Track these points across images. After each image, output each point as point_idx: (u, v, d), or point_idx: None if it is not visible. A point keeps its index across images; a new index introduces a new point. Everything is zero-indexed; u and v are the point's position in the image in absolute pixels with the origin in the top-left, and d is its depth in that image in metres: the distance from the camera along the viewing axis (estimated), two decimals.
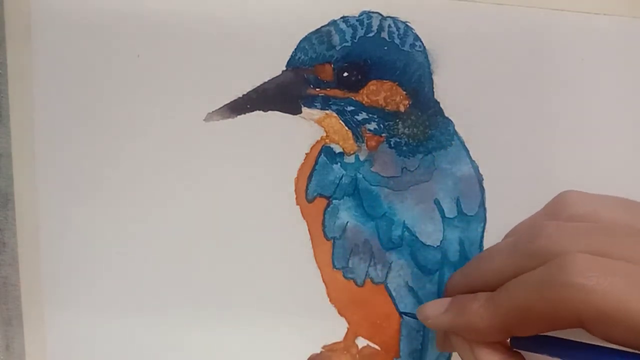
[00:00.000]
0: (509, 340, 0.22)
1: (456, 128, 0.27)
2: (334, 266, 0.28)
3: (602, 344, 0.19)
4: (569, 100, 0.27)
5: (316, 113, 0.27)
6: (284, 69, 0.26)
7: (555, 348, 0.21)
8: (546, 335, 0.21)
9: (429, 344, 0.29)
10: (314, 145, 0.27)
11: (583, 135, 0.28)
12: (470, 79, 0.27)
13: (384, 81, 0.27)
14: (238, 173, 0.27)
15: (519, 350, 0.22)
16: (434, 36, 0.26)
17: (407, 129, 0.27)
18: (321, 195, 0.27)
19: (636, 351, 0.18)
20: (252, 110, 0.27)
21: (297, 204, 0.27)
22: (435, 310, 0.24)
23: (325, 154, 0.27)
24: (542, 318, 0.19)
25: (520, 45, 0.27)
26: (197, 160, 0.27)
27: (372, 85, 0.27)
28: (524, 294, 0.20)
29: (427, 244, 0.28)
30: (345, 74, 0.26)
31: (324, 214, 0.28)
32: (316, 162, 0.27)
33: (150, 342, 0.28)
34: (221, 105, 0.27)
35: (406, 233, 0.27)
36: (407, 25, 0.26)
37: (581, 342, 0.21)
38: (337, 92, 0.27)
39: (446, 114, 0.27)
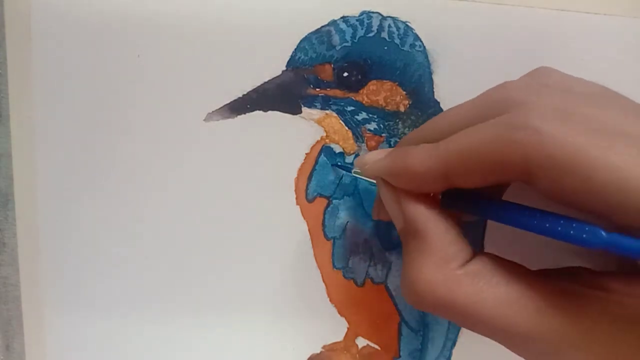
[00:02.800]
0: (440, 198, 0.21)
1: None
2: (334, 266, 0.28)
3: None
4: None
5: (316, 113, 0.27)
6: (284, 69, 0.26)
7: (484, 208, 0.20)
8: (477, 196, 0.21)
9: (429, 343, 0.29)
10: (314, 145, 0.27)
11: None
12: (470, 79, 0.27)
13: (384, 81, 0.27)
14: (238, 173, 0.27)
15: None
16: (434, 36, 0.27)
17: (407, 129, 0.27)
18: (321, 195, 0.27)
19: (568, 214, 0.18)
20: (252, 110, 0.27)
21: (297, 204, 0.27)
22: (375, 156, 0.23)
23: (325, 154, 0.27)
24: (489, 163, 0.18)
25: (520, 45, 0.27)
26: (197, 160, 0.27)
27: (372, 85, 0.27)
28: (474, 136, 0.19)
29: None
30: (345, 74, 0.26)
31: (324, 214, 0.28)
32: (316, 162, 0.27)
33: (150, 342, 0.28)
34: (221, 105, 0.27)
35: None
36: (407, 25, 0.26)
37: (511, 203, 0.20)
38: (337, 92, 0.27)
39: None
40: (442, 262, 0.20)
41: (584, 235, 0.17)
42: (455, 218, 0.21)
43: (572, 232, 0.18)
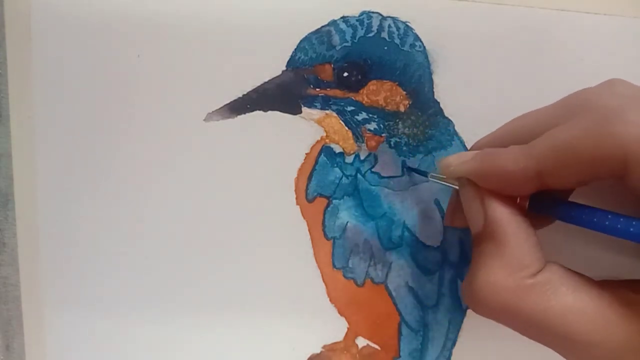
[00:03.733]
0: (527, 203, 0.21)
1: (456, 128, 0.27)
2: (334, 266, 0.28)
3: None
4: None
5: (316, 113, 0.27)
6: (284, 69, 0.26)
7: (574, 213, 0.20)
8: (564, 201, 0.21)
9: (429, 343, 0.29)
10: (314, 145, 0.27)
11: None
12: (470, 79, 0.27)
13: (384, 81, 0.27)
14: (238, 173, 0.27)
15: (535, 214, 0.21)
16: (434, 36, 0.26)
17: (407, 129, 0.27)
18: (321, 195, 0.27)
19: None
20: (252, 110, 0.27)
21: (297, 204, 0.27)
22: (460, 158, 0.22)
23: (325, 154, 0.27)
24: (585, 158, 0.18)
25: (520, 45, 0.27)
26: (197, 160, 0.27)
27: (372, 85, 0.27)
28: (568, 132, 0.19)
29: (427, 244, 0.28)
30: (345, 74, 0.26)
31: (324, 214, 0.28)
32: (316, 162, 0.27)
33: (150, 342, 0.28)
34: (221, 105, 0.27)
35: (406, 233, 0.27)
36: (407, 25, 0.26)
37: (602, 210, 0.20)
38: (337, 92, 0.27)
39: (446, 114, 0.27)
40: (515, 269, 0.20)
41: None
42: (533, 227, 0.21)
43: None
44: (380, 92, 0.27)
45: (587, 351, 0.19)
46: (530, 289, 0.20)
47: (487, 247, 0.21)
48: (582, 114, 0.19)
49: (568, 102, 0.21)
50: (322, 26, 0.26)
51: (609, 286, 0.20)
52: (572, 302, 0.19)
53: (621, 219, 0.19)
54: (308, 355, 0.29)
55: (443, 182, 0.24)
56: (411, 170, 0.27)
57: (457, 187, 0.24)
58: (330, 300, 0.28)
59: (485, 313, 0.21)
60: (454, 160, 0.23)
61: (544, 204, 0.21)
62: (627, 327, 0.18)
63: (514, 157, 0.20)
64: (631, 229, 0.19)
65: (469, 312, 0.29)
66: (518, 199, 0.21)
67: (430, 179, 0.25)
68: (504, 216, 0.21)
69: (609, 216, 0.19)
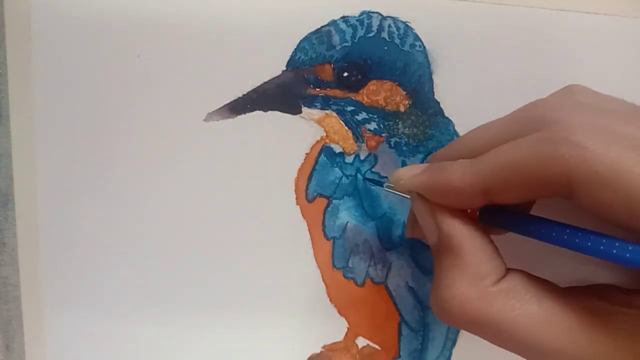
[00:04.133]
0: (477, 214, 0.21)
1: (456, 128, 0.27)
2: (334, 266, 0.28)
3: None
4: None
5: (316, 113, 0.27)
6: (284, 69, 0.26)
7: (524, 225, 0.20)
8: (513, 212, 0.21)
9: (429, 343, 0.29)
10: (314, 145, 0.27)
11: None
12: (470, 79, 0.27)
13: (384, 81, 0.27)
14: (238, 173, 0.27)
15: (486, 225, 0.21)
16: (434, 36, 0.27)
17: (407, 129, 0.27)
18: (321, 195, 0.27)
19: (610, 234, 0.18)
20: (252, 110, 0.27)
21: (297, 204, 0.27)
22: (410, 171, 0.22)
23: (325, 154, 0.27)
24: (530, 178, 0.18)
25: (520, 45, 0.27)
26: (197, 160, 0.27)
27: (372, 85, 0.27)
28: (514, 151, 0.19)
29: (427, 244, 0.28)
30: (345, 74, 0.26)
31: (324, 214, 0.28)
32: (316, 162, 0.27)
33: (150, 342, 0.28)
34: (221, 105, 0.27)
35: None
36: (407, 25, 0.26)
37: (551, 221, 0.20)
38: (337, 92, 0.27)
39: (446, 114, 0.27)
40: (476, 278, 0.20)
41: (628, 255, 0.18)
42: (488, 234, 0.21)
43: (615, 251, 0.18)
44: (380, 92, 0.27)
45: (554, 359, 0.19)
46: (494, 297, 0.19)
47: (445, 258, 0.21)
48: (530, 131, 0.19)
49: (520, 115, 0.21)
50: (322, 26, 0.26)
51: (573, 293, 0.20)
52: (536, 311, 0.19)
53: (567, 231, 0.19)
54: (308, 355, 0.29)
55: (397, 193, 0.24)
56: (367, 180, 0.27)
57: (403, 196, 0.24)
58: (330, 300, 0.28)
59: (453, 324, 0.20)
60: (404, 174, 0.23)
61: (494, 216, 0.21)
62: (592, 335, 0.18)
63: (461, 173, 0.20)
64: (576, 240, 0.19)
65: None
66: (469, 211, 0.21)
67: (386, 189, 0.25)
68: (456, 228, 0.21)
69: (556, 228, 0.19)
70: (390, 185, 0.24)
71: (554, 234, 0.19)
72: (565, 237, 0.19)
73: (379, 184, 0.26)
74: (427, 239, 0.22)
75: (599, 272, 0.24)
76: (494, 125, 0.22)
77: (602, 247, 0.18)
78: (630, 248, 0.17)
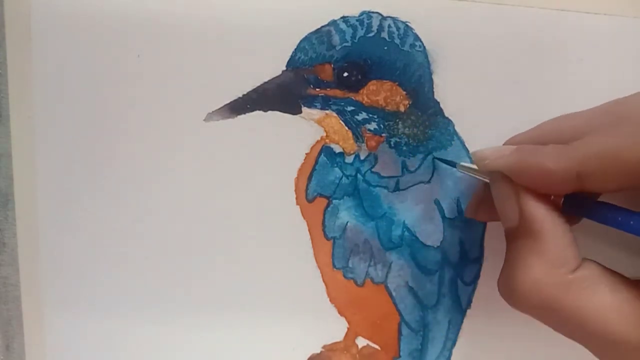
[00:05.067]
0: (562, 201, 0.21)
1: (456, 128, 0.27)
2: (334, 266, 0.28)
3: None
4: (569, 100, 0.27)
5: (316, 113, 0.27)
6: (284, 69, 0.26)
7: (607, 214, 0.20)
8: (600, 202, 0.21)
9: (429, 343, 0.29)
10: (314, 145, 0.27)
11: None
12: (470, 79, 0.27)
13: (384, 81, 0.27)
14: (238, 173, 0.27)
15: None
16: (434, 36, 0.26)
17: (407, 129, 0.27)
18: (321, 195, 0.27)
19: None
20: (252, 110, 0.27)
21: (297, 204, 0.27)
22: (498, 152, 0.22)
23: (325, 154, 0.27)
24: (629, 169, 0.18)
25: (520, 45, 0.27)
26: (197, 160, 0.27)
27: (372, 85, 0.27)
28: (616, 141, 0.19)
29: (427, 244, 0.28)
30: (345, 74, 0.26)
31: (324, 214, 0.28)
32: (316, 162, 0.27)
33: (150, 342, 0.28)
34: (221, 105, 0.27)
35: (406, 233, 0.27)
36: (407, 25, 0.26)
37: (636, 213, 0.20)
38: (337, 92, 0.27)
39: (446, 114, 0.27)
40: (555, 264, 0.20)
41: None
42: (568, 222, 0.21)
43: None
44: (380, 92, 0.27)
45: (622, 351, 0.19)
46: (570, 285, 0.20)
47: (525, 243, 0.21)
48: (627, 123, 0.19)
49: (608, 109, 0.21)
50: (322, 26, 0.26)
51: None
52: (610, 300, 0.19)
53: None
54: (308, 355, 0.29)
55: (473, 174, 0.24)
56: (439, 160, 0.27)
57: (487, 181, 0.24)
58: (330, 300, 0.28)
59: (525, 309, 0.21)
60: (490, 154, 0.23)
61: (576, 203, 0.21)
62: None
63: (555, 156, 0.20)
64: None
65: (469, 312, 0.29)
66: (552, 197, 0.21)
67: (459, 170, 0.25)
68: (540, 212, 0.21)
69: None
70: (465, 166, 0.25)
71: (629, 220, 0.19)
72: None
73: (451, 164, 0.26)
74: (504, 222, 0.22)
75: None
76: (581, 115, 0.22)
77: None
78: None
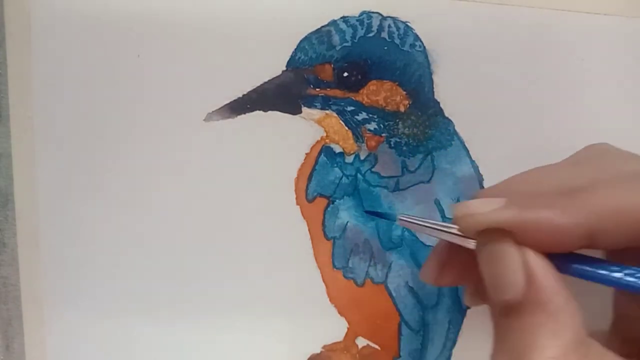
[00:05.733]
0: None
1: (456, 128, 0.27)
2: (334, 266, 0.28)
3: None
4: (569, 100, 0.27)
5: (316, 113, 0.27)
6: (284, 69, 0.26)
7: (607, 275, 0.18)
8: (595, 257, 0.18)
9: (429, 343, 0.29)
10: (314, 145, 0.27)
11: (583, 135, 0.27)
12: (470, 79, 0.27)
13: (384, 81, 0.27)
14: (238, 173, 0.27)
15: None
16: (434, 36, 0.26)
17: (407, 129, 0.27)
18: (321, 195, 0.27)
19: None
20: (252, 110, 0.27)
21: (297, 204, 0.27)
22: (487, 205, 0.18)
23: (325, 154, 0.27)
24: None
25: (520, 45, 0.27)
26: (197, 160, 0.27)
27: (372, 85, 0.27)
28: (632, 195, 0.17)
29: (427, 244, 0.28)
30: (345, 74, 0.26)
31: (324, 214, 0.28)
32: (316, 162, 0.27)
33: (150, 342, 0.28)
34: (221, 105, 0.27)
35: (406, 233, 0.27)
36: (407, 25, 0.26)
37: (623, 265, 0.18)
38: (337, 92, 0.27)
39: (446, 114, 0.27)
40: (574, 347, 0.17)
41: None
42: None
43: None
44: (380, 92, 0.27)
45: None
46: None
47: (534, 320, 0.17)
48: (635, 177, 0.18)
49: (584, 156, 0.20)
50: (322, 26, 0.26)
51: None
52: None
53: None
54: (308, 355, 0.29)
55: (419, 230, 0.21)
56: (372, 214, 0.25)
57: (451, 239, 0.20)
58: (330, 300, 0.28)
59: None
60: (479, 207, 0.19)
61: (571, 264, 0.18)
62: None
63: (564, 210, 0.17)
64: None
65: (469, 312, 0.29)
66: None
67: (399, 223, 0.22)
68: (553, 282, 0.17)
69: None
70: (405, 219, 0.22)
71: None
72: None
73: (390, 217, 0.25)
74: (499, 291, 0.18)
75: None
76: (566, 165, 0.20)
77: None
78: None
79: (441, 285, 0.24)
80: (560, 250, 0.18)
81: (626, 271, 0.17)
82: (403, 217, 0.22)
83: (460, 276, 0.20)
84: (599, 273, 0.18)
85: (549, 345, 0.17)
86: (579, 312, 0.17)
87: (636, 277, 0.17)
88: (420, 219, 0.21)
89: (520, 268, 0.17)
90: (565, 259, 0.18)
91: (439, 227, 0.21)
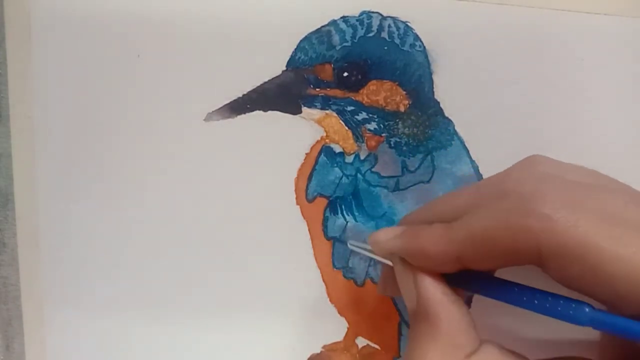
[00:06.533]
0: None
1: (456, 128, 0.27)
2: (334, 266, 0.28)
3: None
4: (569, 100, 0.27)
5: (316, 113, 0.27)
6: (284, 69, 0.26)
7: (489, 287, 0.21)
8: (481, 275, 0.21)
9: None
10: (314, 145, 0.27)
11: (583, 135, 0.28)
12: (470, 79, 0.27)
13: (384, 81, 0.27)
14: (238, 173, 0.27)
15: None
16: (434, 36, 0.26)
17: (407, 129, 0.27)
18: (321, 195, 0.27)
19: (575, 298, 0.18)
20: (252, 110, 0.27)
21: (297, 204, 0.27)
22: (387, 234, 0.22)
23: (325, 154, 0.27)
24: (501, 249, 0.19)
25: (520, 45, 0.27)
26: (197, 160, 0.27)
27: (372, 85, 0.27)
28: (485, 221, 0.19)
29: None
30: (345, 74, 0.26)
31: (324, 214, 0.28)
32: (316, 162, 0.27)
33: (150, 342, 0.28)
34: (221, 105, 0.27)
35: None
36: (407, 25, 0.26)
37: (516, 283, 0.20)
38: (337, 92, 0.27)
39: (446, 114, 0.27)
40: (450, 350, 0.19)
41: (571, 312, 0.18)
42: (465, 304, 0.21)
43: (559, 309, 0.19)
44: (380, 92, 0.27)
45: None
46: None
47: (421, 326, 0.20)
48: (499, 201, 0.19)
49: (490, 183, 0.21)
50: (322, 26, 0.26)
51: None
52: None
53: (537, 295, 0.19)
54: (308, 355, 0.29)
55: (365, 252, 0.24)
56: (339, 242, 0.27)
57: (383, 261, 0.23)
58: (330, 300, 0.28)
59: None
60: (382, 237, 0.23)
61: (464, 279, 0.21)
62: None
63: (435, 239, 0.20)
64: (547, 305, 0.19)
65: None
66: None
67: (350, 247, 0.26)
68: (436, 295, 0.20)
69: (527, 292, 0.20)
70: (355, 244, 0.25)
71: (524, 298, 0.20)
72: (525, 298, 0.20)
73: (341, 242, 0.27)
74: (406, 304, 0.22)
75: (574, 347, 0.25)
76: (464, 192, 0.22)
77: (559, 309, 0.19)
78: (587, 310, 0.18)
79: (390, 295, 0.27)
80: (447, 271, 0.21)
81: (516, 289, 0.20)
82: (353, 242, 0.26)
83: (398, 289, 0.23)
84: (491, 291, 0.21)
85: (429, 349, 0.20)
86: (463, 321, 0.20)
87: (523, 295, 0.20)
88: (362, 245, 0.25)
89: (412, 287, 0.21)
90: (466, 277, 0.21)
91: (363, 247, 0.25)
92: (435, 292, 0.21)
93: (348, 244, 0.26)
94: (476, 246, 0.19)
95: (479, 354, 0.20)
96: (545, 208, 0.18)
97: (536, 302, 0.19)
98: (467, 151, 0.27)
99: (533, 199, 0.18)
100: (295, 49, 0.26)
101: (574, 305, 0.18)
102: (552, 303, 0.19)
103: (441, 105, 0.27)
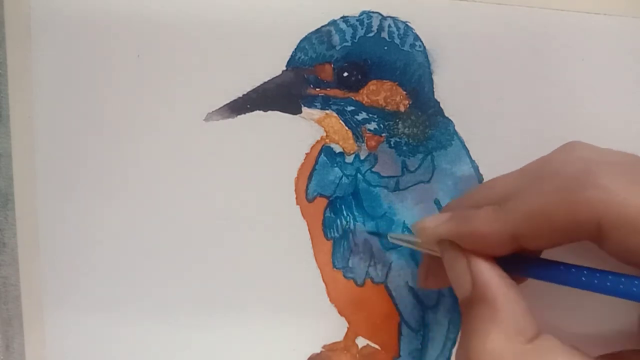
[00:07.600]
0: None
1: (456, 128, 0.27)
2: (334, 266, 0.28)
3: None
4: (569, 100, 0.27)
5: (316, 113, 0.27)
6: (284, 69, 0.26)
7: (543, 270, 0.20)
8: (540, 259, 0.21)
9: (429, 343, 0.29)
10: (314, 145, 0.27)
11: (583, 135, 0.27)
12: (470, 79, 0.27)
13: (384, 81, 0.27)
14: (238, 173, 0.27)
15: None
16: (434, 36, 0.26)
17: (407, 129, 0.27)
18: (321, 195, 0.27)
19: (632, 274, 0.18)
20: (252, 110, 0.27)
21: (297, 204, 0.27)
22: (435, 220, 0.22)
23: (325, 154, 0.27)
24: (560, 224, 0.18)
25: (520, 45, 0.27)
26: (197, 160, 0.27)
27: (372, 85, 0.27)
28: (542, 197, 0.19)
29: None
30: (345, 74, 0.26)
31: (324, 213, 0.28)
32: (316, 162, 0.27)
33: (150, 342, 0.28)
34: (221, 105, 0.27)
35: (406, 233, 0.27)
36: (407, 25, 0.26)
37: (577, 266, 0.20)
38: (337, 92, 0.27)
39: (446, 114, 0.27)
40: (512, 334, 0.19)
41: (634, 289, 0.18)
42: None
43: (621, 286, 0.18)
44: (380, 92, 0.27)
45: None
46: (528, 355, 0.19)
47: (480, 310, 0.20)
48: (551, 180, 0.19)
49: (535, 168, 0.21)
50: (322, 26, 0.26)
51: None
52: None
53: (597, 273, 0.19)
54: (308, 355, 0.29)
55: (408, 245, 0.24)
56: (372, 234, 0.27)
57: (427, 251, 0.23)
58: (330, 300, 0.28)
59: None
60: (430, 223, 0.22)
61: (515, 263, 0.21)
62: None
63: (488, 220, 0.20)
64: (608, 284, 0.19)
65: None
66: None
67: (391, 240, 0.26)
68: (494, 278, 0.20)
69: (585, 271, 0.19)
70: (396, 237, 0.25)
71: (582, 278, 0.19)
72: (584, 278, 0.19)
73: (382, 235, 0.27)
74: (457, 289, 0.21)
75: (629, 338, 0.24)
76: (514, 175, 0.22)
77: (621, 286, 0.18)
78: None
79: (430, 288, 0.27)
80: (500, 253, 0.20)
81: (574, 269, 0.20)
82: (393, 235, 0.26)
83: (441, 280, 0.23)
84: (545, 273, 0.20)
85: (490, 333, 0.19)
86: (521, 305, 0.20)
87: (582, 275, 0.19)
88: (404, 236, 0.25)
89: (466, 271, 0.21)
90: (517, 261, 0.21)
91: (403, 239, 0.25)
92: (492, 275, 0.20)
93: (388, 237, 0.26)
94: (534, 223, 0.19)
95: (541, 340, 0.19)
96: (603, 179, 0.17)
97: (596, 281, 0.19)
98: (467, 151, 0.27)
99: (587, 173, 0.18)
100: (295, 49, 0.26)
101: (636, 282, 0.18)
102: (613, 281, 0.18)
103: (441, 105, 0.27)
